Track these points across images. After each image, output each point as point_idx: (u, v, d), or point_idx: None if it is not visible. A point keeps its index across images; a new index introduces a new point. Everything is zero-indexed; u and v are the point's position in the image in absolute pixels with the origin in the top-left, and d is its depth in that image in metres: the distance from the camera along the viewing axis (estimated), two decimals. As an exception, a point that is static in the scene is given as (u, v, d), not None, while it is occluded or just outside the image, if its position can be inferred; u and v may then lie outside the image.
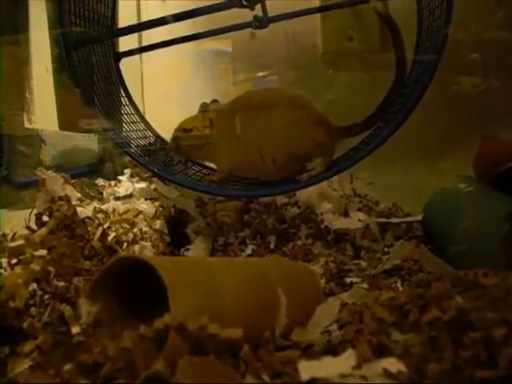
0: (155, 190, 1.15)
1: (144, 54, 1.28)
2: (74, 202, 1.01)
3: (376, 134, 0.97)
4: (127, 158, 1.24)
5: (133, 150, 1.03)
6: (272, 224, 1.02)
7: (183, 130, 1.07)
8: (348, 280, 0.80)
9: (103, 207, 1.07)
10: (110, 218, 1.02)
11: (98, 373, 0.42)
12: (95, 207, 1.05)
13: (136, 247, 0.94)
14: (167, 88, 1.44)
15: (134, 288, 0.53)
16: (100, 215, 1.02)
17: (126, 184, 1.22)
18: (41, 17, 1.28)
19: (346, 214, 1.06)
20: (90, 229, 0.93)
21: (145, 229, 1.00)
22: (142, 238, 0.98)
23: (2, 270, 0.74)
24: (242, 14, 0.99)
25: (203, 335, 0.42)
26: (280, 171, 1.02)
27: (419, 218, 1.00)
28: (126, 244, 0.95)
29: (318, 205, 1.10)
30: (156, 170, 1.02)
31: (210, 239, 0.99)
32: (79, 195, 1.12)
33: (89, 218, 0.97)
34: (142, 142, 1.11)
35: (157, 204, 1.10)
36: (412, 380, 0.39)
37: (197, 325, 0.42)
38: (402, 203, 1.13)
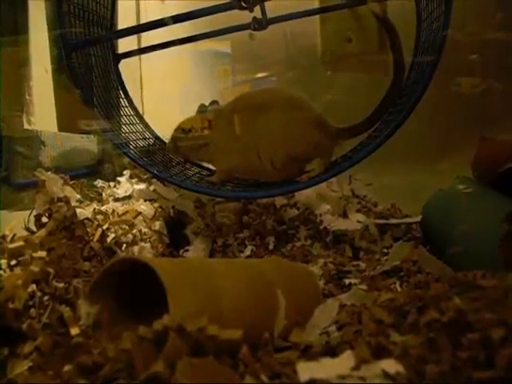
0: (154, 191, 1.15)
1: (143, 55, 1.28)
2: (73, 204, 1.01)
3: (375, 136, 0.97)
4: (126, 160, 1.24)
5: (132, 151, 1.03)
6: (271, 225, 1.02)
7: (182, 130, 1.08)
8: (347, 281, 0.80)
9: (102, 208, 1.07)
10: (109, 219, 1.02)
11: (98, 374, 0.42)
12: (94, 208, 1.05)
13: (135, 248, 0.95)
14: (166, 89, 1.44)
15: (133, 289, 0.53)
16: (99, 216, 1.02)
17: (125, 185, 1.22)
18: (40, 18, 1.29)
19: (344, 215, 1.06)
20: (89, 230, 0.93)
21: (144, 230, 1.00)
22: (141, 239, 0.98)
23: (2, 272, 0.74)
24: (242, 16, 1.00)
25: (202, 336, 0.42)
26: (278, 173, 1.02)
27: (418, 219, 1.00)
28: (125, 245, 0.95)
29: (317, 206, 1.10)
30: (155, 172, 1.02)
31: (209, 240, 0.99)
32: (78, 196, 1.12)
33: (88, 219, 0.97)
34: (141, 143, 1.11)
35: (156, 205, 1.10)
36: (410, 381, 0.39)
37: (196, 326, 0.43)
38: (401, 204, 1.13)
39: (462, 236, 0.79)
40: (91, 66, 1.06)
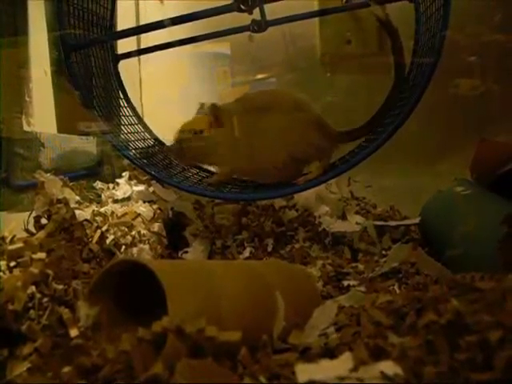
0: (153, 192, 1.15)
1: (142, 57, 1.28)
2: (72, 205, 1.01)
3: (373, 138, 0.97)
4: (126, 161, 1.24)
5: (131, 153, 1.04)
6: (270, 227, 1.02)
7: (193, 131, 1.05)
8: (345, 283, 0.80)
9: (101, 210, 1.07)
10: (108, 220, 1.02)
11: (97, 375, 0.43)
12: (94, 210, 1.05)
13: (134, 250, 0.95)
14: (166, 90, 1.44)
15: (132, 291, 0.53)
16: (98, 218, 1.02)
17: (124, 187, 1.22)
18: (40, 20, 1.29)
19: (343, 217, 1.06)
20: (88, 231, 0.93)
21: (143, 231, 1.00)
22: (141, 241, 0.98)
23: (1, 273, 0.74)
24: (242, 17, 1.00)
25: (201, 338, 0.43)
26: (279, 174, 1.02)
27: (417, 220, 1.00)
28: (124, 247, 0.95)
29: (316, 208, 1.10)
30: (154, 173, 1.02)
31: (207, 242, 0.99)
32: (78, 198, 1.12)
33: (87, 220, 0.97)
34: (141, 145, 1.11)
35: (155, 207, 1.10)
36: (408, 383, 0.39)
37: (195, 328, 0.43)
38: (400, 206, 1.13)
39: (461, 238, 0.79)
40: (90, 68, 1.06)
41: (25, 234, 0.89)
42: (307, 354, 0.52)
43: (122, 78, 1.15)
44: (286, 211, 1.09)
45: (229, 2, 0.96)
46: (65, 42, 0.99)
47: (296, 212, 1.09)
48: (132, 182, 1.24)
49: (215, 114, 1.03)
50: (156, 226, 1.02)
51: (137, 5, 1.54)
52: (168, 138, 1.17)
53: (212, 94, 1.44)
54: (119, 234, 0.98)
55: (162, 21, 0.97)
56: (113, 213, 1.05)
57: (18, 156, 1.23)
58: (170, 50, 1.10)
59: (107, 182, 1.28)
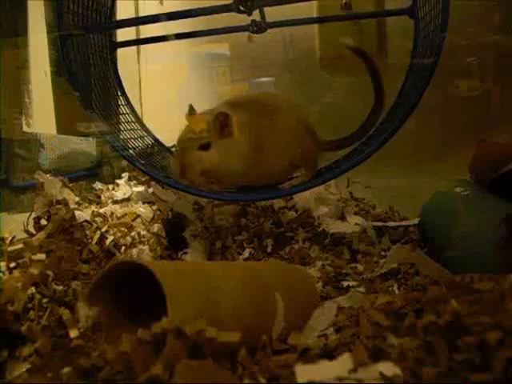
0: (153, 193, 1.15)
1: (142, 57, 1.28)
2: (72, 206, 1.01)
3: (375, 136, 0.97)
4: (125, 162, 1.24)
5: (130, 154, 1.03)
6: (269, 228, 1.02)
7: (201, 147, 0.92)
8: (345, 284, 0.80)
9: (101, 211, 1.07)
10: (107, 221, 1.02)
11: (97, 376, 0.43)
12: (93, 211, 1.05)
13: (134, 251, 0.95)
14: (165, 91, 1.44)
15: (132, 292, 0.53)
16: (98, 219, 1.02)
17: (123, 188, 1.22)
18: (39, 21, 1.29)
19: (342, 218, 1.06)
20: (88, 232, 0.93)
21: (143, 232, 1.00)
22: (140, 242, 0.98)
23: (1, 274, 0.75)
24: (241, 18, 1.00)
25: (201, 339, 0.43)
26: (277, 178, 1.02)
27: (416, 221, 1.00)
28: (123, 247, 0.95)
29: (315, 208, 1.10)
30: (153, 174, 1.02)
31: (207, 243, 0.99)
32: (77, 199, 1.12)
33: (87, 221, 0.97)
34: (140, 146, 1.11)
35: (154, 207, 1.10)
36: (407, 383, 0.39)
37: (194, 329, 0.43)
38: (399, 207, 1.14)
39: (460, 239, 0.79)
40: (89, 68, 1.06)
41: (24, 235, 0.89)
42: (306, 355, 0.52)
43: (122, 79, 1.15)
44: (285, 212, 1.09)
45: (228, 3, 0.96)
46: (62, 27, 0.98)
47: (295, 213, 1.09)
48: (131, 183, 1.24)
49: (224, 123, 0.94)
50: (156, 227, 1.02)
51: (136, 5, 1.54)
52: (168, 137, 1.17)
53: (211, 95, 1.44)
54: (119, 234, 0.98)
55: (158, 14, 0.97)
56: (112, 214, 1.05)
57: (17, 157, 1.24)
58: (169, 51, 1.10)
59: (107, 183, 1.28)
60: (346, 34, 1.36)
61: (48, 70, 1.30)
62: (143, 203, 1.13)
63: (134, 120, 1.15)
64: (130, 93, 1.17)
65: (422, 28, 0.96)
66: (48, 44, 1.29)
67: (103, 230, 0.96)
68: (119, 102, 1.14)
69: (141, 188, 1.20)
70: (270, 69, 1.40)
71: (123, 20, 1.04)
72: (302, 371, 0.41)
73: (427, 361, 0.41)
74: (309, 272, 0.83)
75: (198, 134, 0.92)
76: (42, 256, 0.78)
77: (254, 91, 1.47)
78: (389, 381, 0.39)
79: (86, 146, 1.40)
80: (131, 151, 1.05)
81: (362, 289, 0.76)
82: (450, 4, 0.85)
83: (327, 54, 1.42)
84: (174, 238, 1.01)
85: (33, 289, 0.69)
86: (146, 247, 0.96)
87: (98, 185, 1.27)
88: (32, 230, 0.91)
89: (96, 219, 1.02)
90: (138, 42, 1.20)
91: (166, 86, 1.34)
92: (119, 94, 1.14)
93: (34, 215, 0.93)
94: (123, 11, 1.36)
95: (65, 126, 1.32)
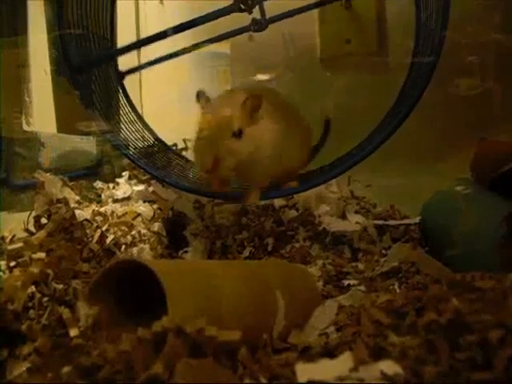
0: (153, 192, 1.15)
1: (142, 56, 1.28)
2: (72, 205, 1.01)
3: (378, 131, 0.97)
4: (126, 161, 1.24)
5: (131, 152, 1.03)
6: (270, 226, 1.02)
7: (233, 135, 0.83)
8: (345, 282, 0.80)
9: (101, 210, 1.07)
10: (108, 220, 1.02)
11: (97, 375, 0.43)
12: (93, 210, 1.05)
13: (134, 249, 0.95)
14: (166, 90, 1.44)
15: (132, 291, 0.53)
16: (98, 218, 1.02)
17: (124, 186, 1.22)
18: (39, 19, 1.29)
19: (343, 217, 1.06)
20: (88, 231, 0.93)
21: (143, 231, 1.00)
22: (141, 241, 0.98)
23: (1, 273, 0.75)
24: (241, 16, 0.99)
25: (201, 338, 0.43)
26: (291, 171, 1.01)
27: (417, 220, 1.00)
28: (124, 246, 0.95)
29: (316, 207, 1.10)
30: (154, 173, 1.02)
31: (208, 241, 0.99)
32: (77, 198, 1.12)
33: (87, 220, 0.97)
34: (141, 144, 1.11)
35: (155, 206, 1.10)
36: (409, 382, 0.39)
37: (195, 327, 0.43)
38: (400, 205, 1.13)
39: (461, 237, 0.79)
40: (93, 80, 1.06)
41: (25, 234, 0.89)
42: (307, 354, 0.52)
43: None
44: (286, 211, 1.09)
45: (228, 2, 0.96)
46: (70, 65, 0.99)
47: (296, 211, 1.09)
48: (132, 182, 1.24)
49: (257, 106, 0.85)
50: (156, 226, 1.02)
51: (136, 5, 1.54)
52: (168, 136, 1.17)
53: (212, 94, 1.44)
54: (119, 233, 0.98)
55: (163, 31, 0.97)
56: (113, 212, 1.05)
57: (17, 156, 1.24)
58: (170, 49, 1.10)
59: (107, 182, 1.28)
60: (346, 31, 1.36)
61: (48, 68, 1.30)
62: (144, 202, 1.13)
63: (134, 118, 1.15)
64: (130, 92, 1.17)
65: (423, 22, 0.96)
66: (48, 43, 1.29)
67: (103, 228, 0.96)
68: (121, 103, 1.14)
69: (141, 187, 1.20)
70: (271, 68, 1.40)
71: (129, 44, 1.04)
72: (303, 370, 0.41)
73: (428, 359, 0.41)
74: (309, 271, 0.83)
75: (227, 121, 0.83)
76: (42, 255, 0.78)
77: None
78: (390, 379, 0.39)
79: (87, 144, 1.40)
80: (132, 150, 1.05)
81: (362, 287, 0.76)
82: (450, 2, 0.85)
83: (328, 53, 1.42)
84: (174, 236, 1.01)
85: (33, 288, 0.69)
86: (147, 246, 0.96)
87: (98, 184, 1.27)
88: (32, 229, 0.91)
89: (96, 218, 1.02)
90: (144, 66, 1.19)
91: (167, 85, 1.33)
92: (120, 92, 1.14)
93: (34, 214, 0.93)
94: (123, 11, 1.36)
95: (65, 124, 1.32)
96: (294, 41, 1.40)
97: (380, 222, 1.02)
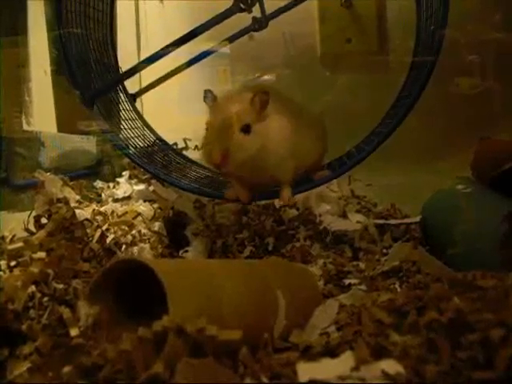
0: (154, 191, 1.15)
1: (143, 56, 1.28)
2: (72, 204, 1.01)
3: (379, 131, 0.97)
4: (126, 160, 1.24)
5: (131, 152, 1.03)
6: (270, 225, 1.02)
7: (242, 129, 0.83)
8: (346, 281, 0.80)
9: (102, 209, 1.07)
10: (108, 219, 1.02)
11: (97, 375, 0.42)
12: (94, 209, 1.05)
13: (135, 249, 0.94)
14: (165, 89, 1.44)
15: (132, 290, 0.53)
16: (99, 217, 1.02)
17: (124, 186, 1.22)
18: (39, 19, 1.29)
19: (344, 216, 1.06)
20: (88, 231, 0.93)
21: (143, 231, 1.00)
22: (141, 240, 0.98)
23: (1, 273, 0.75)
24: (241, 16, 0.99)
25: (202, 337, 0.42)
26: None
27: (417, 219, 1.00)
28: (124, 246, 0.95)
29: (317, 206, 1.10)
30: (154, 172, 1.02)
31: (208, 241, 0.99)
32: (78, 197, 1.12)
33: (87, 220, 0.97)
34: (141, 144, 1.11)
35: (155, 206, 1.10)
36: (410, 381, 0.39)
37: (195, 327, 0.43)
38: (401, 204, 1.13)
39: (462, 236, 0.79)
40: (91, 67, 1.06)
41: (25, 234, 0.89)
42: (308, 353, 0.52)
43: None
44: (286, 210, 1.09)
45: (227, 3, 0.96)
46: (83, 97, 0.99)
47: (297, 211, 1.09)
48: (132, 181, 1.24)
49: (265, 102, 0.86)
50: (156, 225, 1.02)
51: (136, 5, 1.54)
52: (168, 135, 1.17)
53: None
54: (120, 233, 0.98)
55: (168, 45, 0.97)
56: (113, 212, 1.05)
57: (17, 155, 1.24)
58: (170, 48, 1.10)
59: (107, 181, 1.28)
60: (346, 30, 1.36)
61: (48, 68, 1.30)
62: (144, 201, 1.13)
63: (135, 117, 1.15)
64: (130, 91, 1.17)
65: (424, 21, 0.96)
66: (48, 42, 1.29)
67: (104, 228, 0.96)
68: (121, 103, 1.14)
69: (141, 186, 1.20)
70: (271, 67, 1.39)
71: (137, 65, 1.04)
72: (304, 369, 0.41)
73: (430, 358, 0.41)
74: (310, 270, 0.83)
75: (236, 116, 0.83)
76: (43, 254, 0.78)
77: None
78: (391, 379, 0.39)
79: (87, 144, 1.40)
80: (132, 149, 1.05)
81: (363, 287, 0.75)
82: (450, 1, 0.85)
83: (328, 52, 1.42)
84: (174, 236, 1.01)
85: (33, 287, 0.69)
86: (147, 245, 0.96)
87: (98, 183, 1.27)
88: (32, 229, 0.91)
89: (97, 217, 1.02)
90: (153, 85, 1.19)
91: (167, 84, 1.33)
92: (120, 91, 1.14)
93: (34, 214, 0.93)
94: (124, 12, 1.36)
95: (65, 124, 1.32)
96: (294, 40, 1.40)
97: (381, 221, 1.02)
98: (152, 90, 1.19)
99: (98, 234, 0.93)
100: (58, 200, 0.96)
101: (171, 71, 1.11)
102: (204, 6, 1.18)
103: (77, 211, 0.97)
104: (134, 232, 0.99)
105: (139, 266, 0.48)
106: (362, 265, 0.87)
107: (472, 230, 0.78)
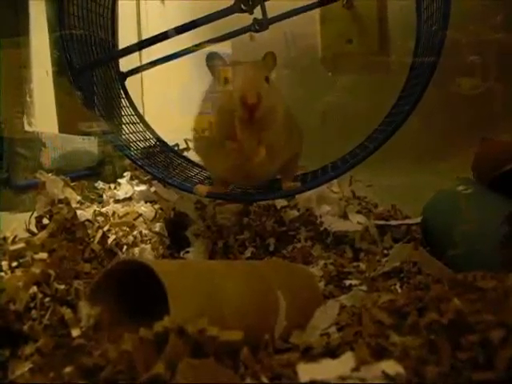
0: (155, 192, 1.15)
1: (144, 56, 1.28)
2: (73, 205, 1.01)
3: (380, 130, 0.97)
4: (127, 161, 1.24)
5: (133, 153, 1.03)
6: (271, 226, 1.02)
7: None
8: (347, 282, 0.80)
9: (103, 210, 1.07)
10: (109, 220, 1.02)
11: (99, 375, 0.43)
12: (95, 210, 1.05)
13: (136, 250, 0.95)
14: (167, 90, 1.44)
15: (134, 291, 0.53)
16: (100, 218, 1.02)
17: (125, 187, 1.22)
18: (41, 20, 1.29)
19: (345, 217, 1.06)
20: (89, 232, 0.94)
21: (144, 231, 1.00)
22: (142, 241, 0.98)
23: (3, 273, 0.75)
24: (242, 16, 0.99)
25: (203, 338, 0.43)
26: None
27: (418, 220, 1.00)
28: (125, 247, 0.95)
29: (318, 207, 1.10)
30: (155, 173, 1.02)
31: (209, 242, 0.99)
32: (79, 198, 1.12)
33: (89, 220, 0.97)
34: (142, 145, 1.11)
35: (156, 207, 1.10)
36: (410, 382, 0.39)
37: (196, 327, 0.43)
38: (401, 205, 1.13)
39: (462, 237, 0.79)
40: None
41: (26, 234, 0.89)
42: (309, 354, 0.52)
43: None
44: (287, 211, 1.09)
45: (229, 2, 0.96)
46: (71, 66, 0.99)
47: (297, 211, 1.09)
48: (133, 182, 1.24)
49: (272, 64, 0.90)
50: (157, 226, 1.02)
51: (138, 4, 1.54)
52: (170, 136, 1.17)
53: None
54: (121, 234, 0.98)
55: (164, 32, 0.97)
56: (114, 213, 1.05)
57: (19, 156, 1.24)
58: (172, 49, 1.10)
59: (108, 182, 1.29)
60: (347, 31, 1.36)
61: (50, 69, 1.30)
62: (145, 202, 1.14)
63: (135, 115, 1.15)
64: (131, 92, 1.17)
65: (424, 22, 0.96)
66: (50, 43, 1.29)
67: (105, 229, 0.96)
68: (123, 104, 1.14)
69: (143, 187, 1.20)
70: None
71: (130, 46, 1.04)
72: (305, 370, 0.41)
73: (430, 359, 0.41)
74: (311, 271, 0.83)
75: (260, 67, 0.87)
76: (44, 255, 0.78)
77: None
78: (391, 379, 0.39)
79: (88, 145, 1.40)
80: (133, 150, 1.05)
81: (364, 287, 0.75)
82: (451, 2, 0.85)
83: (329, 53, 1.42)
84: (175, 237, 1.01)
85: (35, 288, 0.69)
86: (148, 246, 0.96)
87: (99, 184, 1.28)
88: (34, 230, 0.91)
89: (98, 218, 1.02)
90: (145, 67, 1.19)
91: (168, 85, 1.33)
92: (121, 92, 1.15)
93: (35, 214, 0.93)
94: (125, 11, 1.36)
95: (67, 125, 1.32)
96: (296, 41, 1.40)
97: (381, 222, 1.02)
98: (152, 91, 1.19)
99: (99, 234, 0.93)
100: (60, 201, 0.96)
101: (166, 56, 1.11)
102: (204, 6, 1.18)
103: (78, 212, 0.97)
104: (135, 233, 0.99)
105: (140, 266, 0.48)
106: (362, 266, 0.87)
107: (473, 230, 0.77)
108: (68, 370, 0.44)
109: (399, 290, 0.74)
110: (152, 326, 0.43)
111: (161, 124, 1.18)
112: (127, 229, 1.00)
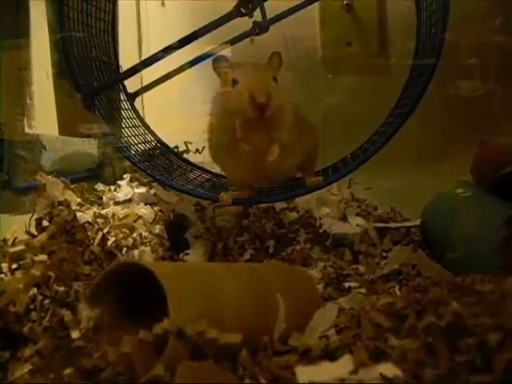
0: (155, 194, 1.15)
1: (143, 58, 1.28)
2: (73, 207, 1.01)
3: (380, 133, 0.97)
4: (127, 163, 1.24)
5: (132, 155, 1.04)
6: (271, 229, 1.02)
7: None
8: (346, 285, 0.80)
9: (103, 212, 1.07)
10: (109, 222, 1.02)
11: (98, 377, 0.43)
12: (95, 212, 1.06)
13: (135, 252, 0.95)
14: (167, 92, 1.44)
15: (133, 293, 0.53)
16: (100, 220, 1.02)
17: (125, 189, 1.23)
18: (41, 22, 1.29)
19: (344, 219, 1.06)
20: (89, 234, 0.94)
21: (144, 233, 1.00)
22: (142, 243, 0.98)
23: (3, 275, 0.75)
24: (242, 19, 1.00)
25: (202, 340, 0.43)
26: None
27: (417, 222, 1.00)
28: (125, 249, 0.95)
29: (317, 209, 1.10)
30: (155, 175, 1.02)
31: (209, 244, 0.99)
32: (79, 200, 1.12)
33: (88, 222, 0.97)
34: (142, 147, 1.11)
35: (156, 209, 1.10)
36: (408, 385, 0.40)
37: (196, 330, 0.43)
38: (401, 208, 1.13)
39: (461, 240, 0.79)
40: (92, 71, 1.06)
41: (26, 237, 0.89)
42: (307, 356, 0.52)
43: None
44: (286, 213, 1.09)
45: (229, 3, 0.96)
46: (83, 96, 1.00)
47: (297, 214, 1.09)
48: (133, 184, 1.24)
49: (279, 65, 0.92)
50: (157, 228, 1.02)
51: (138, 5, 1.54)
52: (170, 138, 1.17)
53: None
54: (120, 236, 0.98)
55: (168, 46, 0.97)
56: (114, 215, 1.06)
57: (19, 158, 1.24)
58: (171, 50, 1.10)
59: (108, 184, 1.29)
60: (347, 34, 1.36)
61: (50, 71, 1.30)
62: (145, 204, 1.14)
63: (135, 117, 1.15)
64: (130, 91, 1.17)
65: (423, 21, 0.96)
66: (50, 45, 1.29)
67: (105, 231, 0.97)
68: (123, 106, 1.14)
69: (142, 189, 1.20)
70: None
71: (137, 64, 1.04)
72: (303, 372, 0.41)
73: (428, 362, 0.41)
74: (310, 273, 0.83)
75: (267, 67, 0.88)
76: (44, 257, 0.78)
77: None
78: (389, 382, 0.39)
79: (88, 147, 1.40)
80: (133, 152, 1.05)
81: (363, 290, 0.76)
82: (450, 3, 0.85)
83: (329, 55, 1.42)
84: (175, 239, 1.01)
85: (34, 290, 0.69)
86: (148, 248, 0.96)
87: (99, 186, 1.28)
88: (34, 232, 0.91)
89: (98, 220, 1.02)
90: (152, 86, 1.19)
91: (168, 87, 1.33)
92: (120, 91, 1.15)
93: (35, 216, 0.93)
94: (125, 13, 1.36)
95: (67, 127, 1.32)
96: (295, 43, 1.40)
97: (381, 225, 1.02)
98: (153, 93, 1.19)
99: (98, 236, 0.93)
100: (60, 203, 0.96)
101: (171, 72, 1.11)
102: (205, 7, 1.18)
103: (78, 214, 0.97)
104: (134, 235, 0.99)
105: (140, 268, 0.48)
106: (361, 268, 0.87)
107: (472, 233, 0.78)
108: (68, 371, 0.45)
109: (398, 293, 0.74)
110: (151, 328, 0.43)
111: (161, 126, 1.18)
112: (127, 231, 1.00)
